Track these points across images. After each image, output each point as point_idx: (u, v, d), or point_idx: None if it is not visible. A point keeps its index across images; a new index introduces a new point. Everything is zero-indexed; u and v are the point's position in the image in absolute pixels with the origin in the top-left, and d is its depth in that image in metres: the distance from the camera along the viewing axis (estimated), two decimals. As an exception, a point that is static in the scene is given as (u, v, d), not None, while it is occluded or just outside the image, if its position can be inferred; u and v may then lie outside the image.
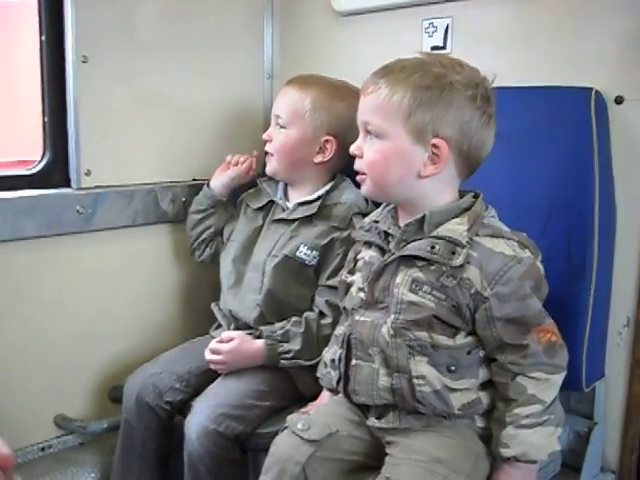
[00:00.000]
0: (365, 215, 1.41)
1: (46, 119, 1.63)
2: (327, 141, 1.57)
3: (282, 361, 1.49)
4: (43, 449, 1.66)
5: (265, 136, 1.63)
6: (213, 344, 1.52)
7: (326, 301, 1.50)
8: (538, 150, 1.36)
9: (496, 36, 1.55)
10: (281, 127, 1.59)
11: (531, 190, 1.35)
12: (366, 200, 1.53)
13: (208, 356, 1.51)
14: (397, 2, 1.69)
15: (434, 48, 1.63)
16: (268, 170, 1.64)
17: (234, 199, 1.77)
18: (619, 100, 1.37)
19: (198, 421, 1.40)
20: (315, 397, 1.40)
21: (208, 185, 1.74)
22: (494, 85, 1.16)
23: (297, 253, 1.53)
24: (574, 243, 1.29)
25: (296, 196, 1.63)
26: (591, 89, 1.32)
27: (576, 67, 1.43)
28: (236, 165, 1.73)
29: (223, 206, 1.74)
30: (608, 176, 1.35)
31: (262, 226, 1.64)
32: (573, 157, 1.32)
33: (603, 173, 1.31)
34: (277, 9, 1.99)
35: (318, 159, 1.59)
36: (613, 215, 1.38)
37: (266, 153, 1.64)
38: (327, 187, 1.59)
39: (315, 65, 1.75)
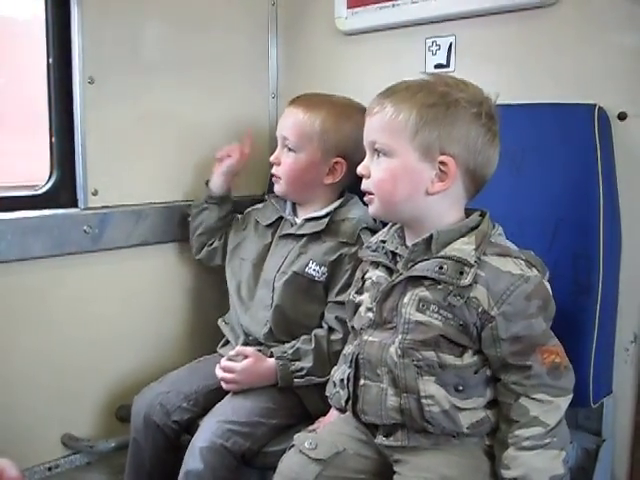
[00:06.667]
0: (373, 231, 1.41)
1: (53, 139, 1.64)
2: (337, 162, 1.57)
3: (296, 380, 1.48)
4: (50, 469, 1.65)
5: (273, 159, 1.62)
6: (226, 362, 1.51)
7: (336, 317, 1.49)
8: (542, 166, 1.36)
9: (499, 53, 1.56)
10: (289, 150, 1.59)
11: (536, 207, 1.35)
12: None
13: (220, 374, 1.50)
14: (400, 21, 1.71)
15: (437, 66, 1.65)
16: (277, 191, 1.64)
17: (241, 210, 1.78)
18: (622, 116, 1.38)
19: (205, 437, 1.39)
20: (322, 415, 1.39)
21: (207, 184, 1.77)
22: (498, 102, 1.16)
23: (306, 269, 1.53)
24: (579, 259, 1.29)
25: (305, 213, 1.63)
26: (594, 105, 1.33)
27: (579, 84, 1.44)
28: (222, 159, 1.75)
29: (218, 204, 1.75)
30: (613, 192, 1.35)
31: (271, 242, 1.65)
32: (577, 173, 1.32)
33: (607, 189, 1.31)
34: (281, 29, 2.01)
35: (328, 180, 1.59)
36: (618, 231, 1.38)
37: (273, 175, 1.63)
38: (335, 204, 1.59)
39: (319, 84, 1.76)
